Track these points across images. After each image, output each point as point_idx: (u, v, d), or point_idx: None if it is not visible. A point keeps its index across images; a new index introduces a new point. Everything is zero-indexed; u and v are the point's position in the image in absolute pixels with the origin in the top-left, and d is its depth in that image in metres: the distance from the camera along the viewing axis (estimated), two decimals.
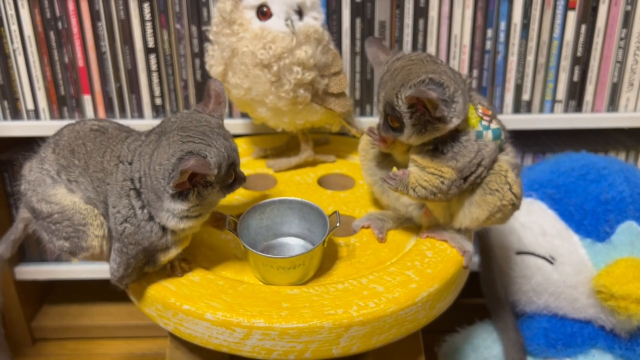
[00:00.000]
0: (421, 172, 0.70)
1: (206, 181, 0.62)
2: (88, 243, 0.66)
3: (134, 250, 0.64)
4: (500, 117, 0.85)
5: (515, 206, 0.72)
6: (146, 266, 0.68)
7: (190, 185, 0.61)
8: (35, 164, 0.69)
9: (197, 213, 0.63)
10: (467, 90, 0.69)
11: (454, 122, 0.66)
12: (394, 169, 0.72)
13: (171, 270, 0.69)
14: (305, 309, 0.63)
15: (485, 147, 0.70)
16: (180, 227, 0.64)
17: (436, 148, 0.69)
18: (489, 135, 0.70)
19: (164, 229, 0.64)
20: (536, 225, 0.96)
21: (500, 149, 0.72)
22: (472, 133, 0.69)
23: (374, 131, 0.75)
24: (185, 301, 0.64)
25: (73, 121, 0.72)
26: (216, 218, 0.74)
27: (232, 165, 0.64)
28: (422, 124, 0.66)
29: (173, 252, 0.67)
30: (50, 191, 0.67)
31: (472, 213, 0.72)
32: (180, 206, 0.61)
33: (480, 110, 0.70)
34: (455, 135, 0.68)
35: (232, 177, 0.65)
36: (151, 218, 0.63)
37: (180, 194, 0.61)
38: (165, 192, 0.61)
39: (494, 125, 0.70)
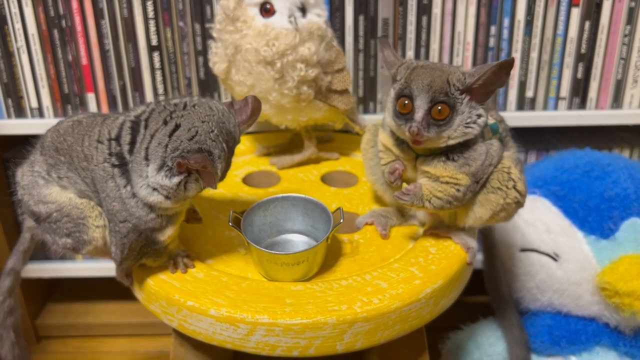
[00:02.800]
0: (434, 182, 0.69)
1: (197, 179, 0.62)
2: (90, 235, 0.67)
3: (125, 228, 0.64)
4: (503, 114, 0.85)
5: (519, 204, 0.72)
6: (148, 249, 0.67)
7: (184, 171, 0.61)
8: (26, 168, 0.70)
9: (166, 193, 0.62)
10: None
11: (484, 116, 0.67)
12: (404, 184, 0.72)
13: (174, 266, 0.69)
14: (309, 305, 0.63)
15: (491, 146, 0.70)
16: (150, 200, 0.63)
17: (447, 157, 0.69)
18: (488, 132, 0.70)
19: (150, 206, 0.64)
20: (540, 222, 0.96)
21: (500, 141, 0.72)
22: (476, 136, 0.69)
23: (392, 172, 0.72)
24: (189, 297, 0.64)
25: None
26: (192, 212, 0.77)
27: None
28: (469, 113, 0.66)
29: (169, 231, 0.66)
30: (45, 191, 0.68)
31: (475, 212, 0.72)
32: (159, 179, 0.61)
33: None
34: (463, 141, 0.69)
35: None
36: (134, 194, 0.63)
37: (169, 169, 0.61)
38: (158, 158, 0.61)
39: (490, 120, 0.70)
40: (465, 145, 0.68)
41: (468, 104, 0.66)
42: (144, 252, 0.68)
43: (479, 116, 0.67)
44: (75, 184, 0.67)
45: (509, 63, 0.64)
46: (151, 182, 0.62)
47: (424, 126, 0.66)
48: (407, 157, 0.72)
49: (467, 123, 0.66)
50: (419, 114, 0.66)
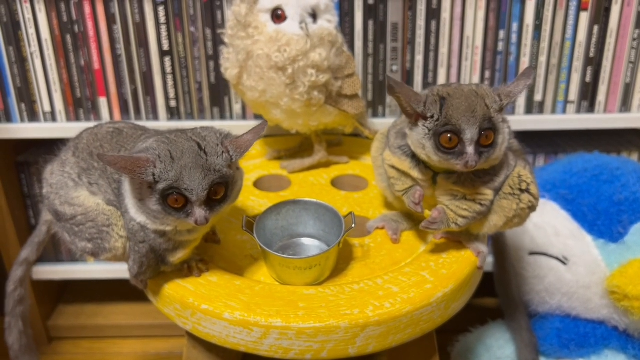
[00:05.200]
0: (459, 201, 0.69)
1: (145, 181, 0.59)
2: (111, 244, 0.67)
3: (144, 248, 0.65)
4: (512, 118, 0.86)
5: (532, 208, 0.72)
6: (161, 265, 0.69)
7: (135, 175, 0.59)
8: (56, 167, 0.70)
9: (138, 208, 0.62)
10: None
11: (509, 125, 0.68)
12: (426, 212, 0.72)
13: (189, 270, 0.70)
14: (322, 309, 0.64)
15: (507, 157, 0.70)
16: (138, 221, 0.63)
17: (474, 174, 0.68)
18: None
19: (156, 231, 0.64)
20: (549, 225, 0.96)
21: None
22: None
23: (417, 202, 0.69)
24: (203, 301, 0.65)
25: (91, 125, 0.74)
26: (212, 234, 0.77)
27: (179, 192, 0.59)
28: (504, 128, 0.66)
29: (180, 254, 0.67)
30: (73, 194, 0.68)
31: (489, 221, 0.72)
32: (127, 187, 0.63)
33: None
34: None
35: (179, 204, 0.60)
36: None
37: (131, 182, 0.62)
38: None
39: None
40: None
41: (502, 120, 0.66)
42: (160, 268, 0.69)
43: (509, 127, 0.67)
44: (105, 193, 0.67)
45: (532, 71, 0.66)
46: (129, 198, 0.63)
47: (475, 158, 0.64)
48: (425, 177, 0.71)
49: (506, 139, 0.67)
50: (470, 148, 0.64)
